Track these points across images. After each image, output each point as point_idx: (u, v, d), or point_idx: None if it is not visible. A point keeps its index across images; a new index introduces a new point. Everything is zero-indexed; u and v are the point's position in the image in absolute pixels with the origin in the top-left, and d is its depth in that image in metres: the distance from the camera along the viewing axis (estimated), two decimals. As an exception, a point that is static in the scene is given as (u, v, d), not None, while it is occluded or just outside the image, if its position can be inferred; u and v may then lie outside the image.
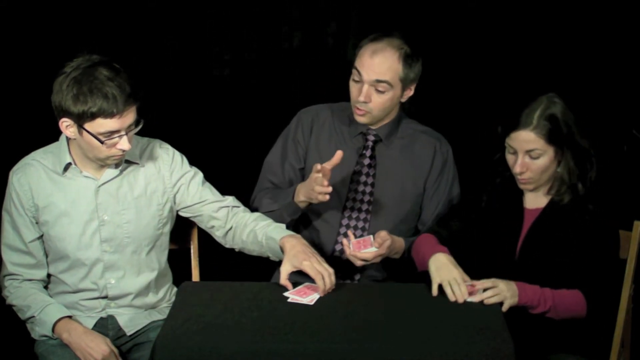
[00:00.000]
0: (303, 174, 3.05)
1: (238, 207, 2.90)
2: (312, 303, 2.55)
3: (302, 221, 3.03)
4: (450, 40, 3.83)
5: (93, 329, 2.81)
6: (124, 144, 2.61)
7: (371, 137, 3.01)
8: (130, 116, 2.59)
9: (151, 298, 2.86)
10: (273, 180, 3.07)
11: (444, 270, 2.61)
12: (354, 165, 3.01)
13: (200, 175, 2.89)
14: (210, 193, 2.88)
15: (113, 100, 2.54)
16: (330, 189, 2.76)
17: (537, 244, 2.73)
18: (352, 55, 2.98)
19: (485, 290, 2.56)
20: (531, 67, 3.77)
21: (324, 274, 2.60)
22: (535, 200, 2.79)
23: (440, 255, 2.67)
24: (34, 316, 2.72)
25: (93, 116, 2.55)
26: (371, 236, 2.83)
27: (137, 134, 2.71)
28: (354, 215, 3.00)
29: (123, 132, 2.60)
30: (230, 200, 2.91)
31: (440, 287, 2.59)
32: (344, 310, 2.51)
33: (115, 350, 2.70)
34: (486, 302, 2.55)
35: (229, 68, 3.88)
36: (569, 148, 2.69)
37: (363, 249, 2.78)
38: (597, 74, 3.76)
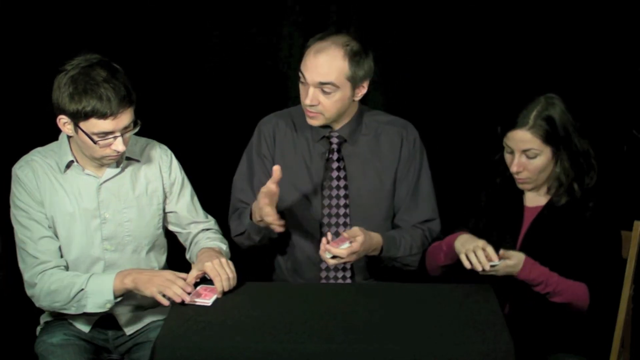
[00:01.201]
0: None
1: (211, 229, 2.93)
2: (209, 304, 2.54)
3: (282, 237, 2.94)
4: (451, 40, 3.82)
5: (92, 328, 2.81)
6: (118, 145, 2.61)
7: (335, 140, 2.94)
8: (125, 118, 2.59)
9: (151, 298, 2.86)
10: (244, 199, 2.97)
11: (468, 242, 2.63)
12: (322, 170, 2.94)
13: (190, 188, 2.91)
14: (195, 212, 2.91)
15: (107, 101, 2.54)
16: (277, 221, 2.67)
17: (537, 242, 2.73)
18: None
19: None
20: (531, 66, 3.76)
21: (222, 275, 2.59)
22: (535, 199, 2.79)
23: (464, 234, 2.71)
24: (82, 289, 2.64)
25: (87, 116, 2.55)
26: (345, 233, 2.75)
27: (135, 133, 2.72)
28: (333, 221, 2.93)
29: (118, 134, 2.60)
30: (212, 223, 2.95)
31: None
32: (344, 310, 2.51)
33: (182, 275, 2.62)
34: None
35: (228, 68, 3.87)
36: (566, 149, 2.69)
37: (336, 246, 2.70)
38: (597, 74, 3.75)
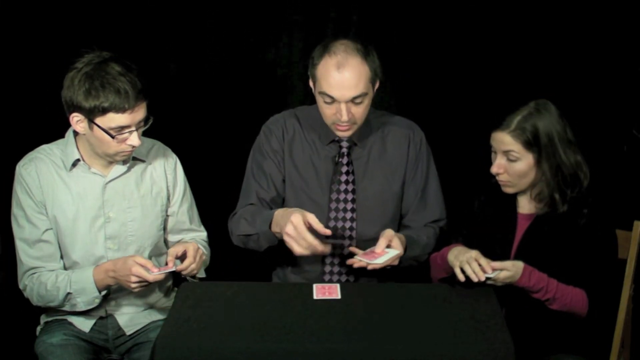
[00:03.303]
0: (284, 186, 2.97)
1: (203, 242, 2.94)
2: (174, 269, 2.63)
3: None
4: (452, 40, 3.83)
5: (92, 328, 2.81)
6: (134, 139, 2.61)
7: (345, 144, 2.93)
8: (140, 112, 2.60)
9: (151, 298, 2.86)
10: (260, 193, 2.94)
11: (461, 254, 2.62)
12: (331, 173, 2.93)
13: (190, 194, 2.92)
14: (192, 218, 2.92)
15: (125, 95, 2.54)
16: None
17: (531, 249, 2.72)
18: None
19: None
20: (533, 66, 3.77)
21: (197, 265, 2.67)
22: (529, 206, 2.78)
23: (456, 246, 2.71)
24: (69, 292, 2.69)
25: (104, 111, 2.55)
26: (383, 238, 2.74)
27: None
28: (339, 224, 2.91)
29: (133, 128, 2.60)
30: (204, 235, 2.96)
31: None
32: (344, 310, 2.51)
33: (143, 260, 2.62)
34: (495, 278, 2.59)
35: (227, 69, 3.87)
36: (548, 160, 2.67)
37: (378, 257, 2.69)
38: (597, 74, 3.76)
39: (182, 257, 2.68)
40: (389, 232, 2.74)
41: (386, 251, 2.71)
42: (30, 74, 3.68)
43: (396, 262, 2.75)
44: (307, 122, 2.97)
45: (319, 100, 2.82)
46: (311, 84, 2.88)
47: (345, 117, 2.77)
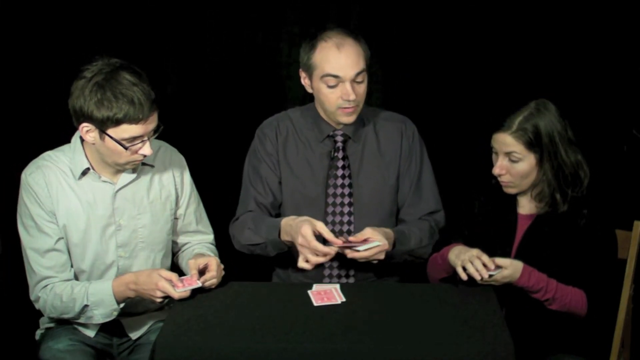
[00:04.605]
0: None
1: (210, 245, 2.92)
2: (200, 284, 2.58)
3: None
4: (451, 39, 3.82)
5: (97, 333, 2.79)
6: (146, 149, 2.58)
7: (339, 138, 2.95)
8: (153, 122, 2.56)
9: (156, 303, 2.84)
10: (258, 198, 2.95)
11: (463, 253, 2.63)
12: (326, 169, 2.94)
13: (197, 195, 2.91)
14: (200, 219, 2.90)
15: (139, 105, 2.49)
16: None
17: (531, 250, 2.72)
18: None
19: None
20: (532, 66, 3.76)
21: (217, 279, 2.60)
22: (529, 206, 2.78)
23: (456, 246, 2.71)
24: (86, 305, 2.64)
25: (118, 122, 2.50)
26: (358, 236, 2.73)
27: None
28: (337, 219, 2.92)
29: (146, 138, 2.57)
30: (212, 237, 2.94)
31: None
32: (344, 310, 2.50)
33: (168, 274, 2.58)
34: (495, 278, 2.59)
35: (228, 69, 3.87)
36: (549, 159, 2.67)
37: (359, 246, 2.68)
38: (597, 74, 3.76)
39: (202, 270, 2.63)
40: (369, 228, 2.73)
41: (369, 241, 2.70)
42: (28, 75, 3.67)
43: (382, 256, 2.73)
44: (301, 121, 2.99)
45: (321, 88, 2.85)
46: (305, 80, 2.90)
47: (352, 96, 2.80)
